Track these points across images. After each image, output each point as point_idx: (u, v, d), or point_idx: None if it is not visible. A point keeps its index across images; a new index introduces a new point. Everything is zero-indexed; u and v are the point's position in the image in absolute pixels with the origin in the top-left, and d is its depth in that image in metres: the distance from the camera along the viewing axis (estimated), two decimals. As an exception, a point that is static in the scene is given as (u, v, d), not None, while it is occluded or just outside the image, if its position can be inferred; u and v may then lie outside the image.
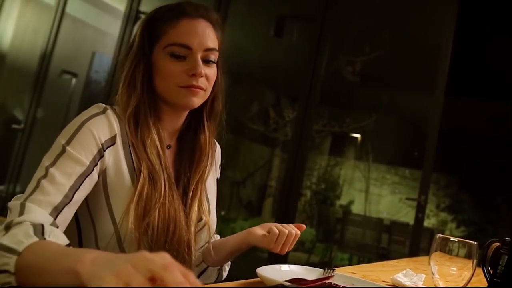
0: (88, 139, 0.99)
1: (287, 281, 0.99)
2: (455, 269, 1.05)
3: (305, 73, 4.13)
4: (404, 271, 1.32)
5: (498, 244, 1.15)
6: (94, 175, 1.00)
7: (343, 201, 7.11)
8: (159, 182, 1.06)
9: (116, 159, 1.03)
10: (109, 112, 1.05)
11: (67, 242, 0.87)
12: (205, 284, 1.22)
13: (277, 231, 1.13)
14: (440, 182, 7.47)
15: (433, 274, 1.07)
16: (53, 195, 0.92)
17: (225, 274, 1.29)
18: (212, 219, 1.19)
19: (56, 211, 0.93)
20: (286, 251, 1.15)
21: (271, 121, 6.45)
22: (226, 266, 1.29)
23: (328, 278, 1.09)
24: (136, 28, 1.15)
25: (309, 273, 1.11)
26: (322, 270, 1.14)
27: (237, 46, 5.91)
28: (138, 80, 1.09)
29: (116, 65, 4.54)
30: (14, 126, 5.24)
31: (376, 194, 7.48)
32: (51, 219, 0.91)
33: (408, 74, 5.67)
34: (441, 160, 3.98)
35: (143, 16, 1.19)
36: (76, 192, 0.96)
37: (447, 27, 3.71)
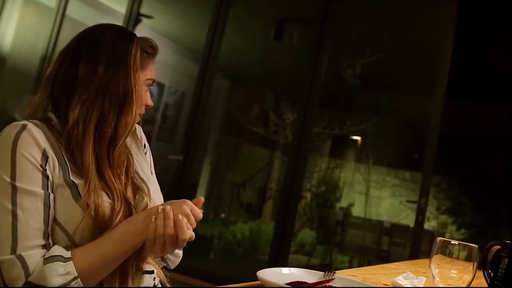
0: (28, 167, 1.00)
1: (287, 284, 0.99)
2: (455, 272, 1.05)
3: (305, 76, 4.13)
4: (405, 274, 1.32)
5: (498, 247, 1.15)
6: (52, 197, 1.03)
7: (343, 203, 7.11)
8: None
9: (54, 171, 1.04)
10: (30, 126, 1.05)
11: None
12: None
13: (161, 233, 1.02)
14: (440, 185, 7.46)
15: (434, 277, 1.07)
16: (37, 237, 0.99)
17: (171, 264, 1.24)
18: (154, 199, 1.17)
19: (47, 247, 1.00)
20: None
21: (271, 123, 6.45)
22: (170, 256, 1.22)
23: (328, 281, 1.09)
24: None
25: (310, 276, 1.11)
26: (323, 273, 1.14)
27: (237, 49, 5.92)
28: None
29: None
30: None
31: (376, 196, 7.48)
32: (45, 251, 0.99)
33: (408, 77, 5.66)
34: (442, 163, 3.99)
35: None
36: (49, 221, 1.01)
37: (447, 29, 3.71)
